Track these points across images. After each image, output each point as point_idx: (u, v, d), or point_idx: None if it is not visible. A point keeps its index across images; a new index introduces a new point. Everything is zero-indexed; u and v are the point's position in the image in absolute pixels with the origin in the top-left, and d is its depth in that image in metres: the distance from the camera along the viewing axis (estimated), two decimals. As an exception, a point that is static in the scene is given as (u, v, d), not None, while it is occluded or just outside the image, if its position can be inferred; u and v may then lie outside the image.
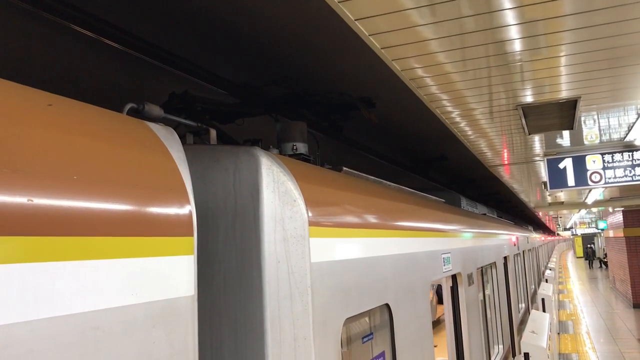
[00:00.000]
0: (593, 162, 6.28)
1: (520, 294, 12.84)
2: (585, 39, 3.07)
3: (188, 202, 1.36)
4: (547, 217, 30.83)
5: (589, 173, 6.28)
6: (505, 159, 7.27)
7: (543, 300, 11.03)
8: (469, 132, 5.35)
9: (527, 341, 5.65)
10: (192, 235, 1.36)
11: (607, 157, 6.24)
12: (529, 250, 17.12)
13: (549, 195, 12.47)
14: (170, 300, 1.25)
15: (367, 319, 2.92)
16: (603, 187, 6.40)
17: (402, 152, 8.11)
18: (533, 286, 17.70)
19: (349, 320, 2.52)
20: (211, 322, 2.03)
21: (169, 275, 1.26)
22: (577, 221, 43.92)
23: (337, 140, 6.27)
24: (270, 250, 2.02)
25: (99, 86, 3.86)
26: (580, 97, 3.91)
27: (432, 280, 4.00)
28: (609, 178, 6.21)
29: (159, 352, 1.21)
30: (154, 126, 1.45)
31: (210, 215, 2.10)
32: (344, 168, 3.35)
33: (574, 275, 39.08)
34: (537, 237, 23.30)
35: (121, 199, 1.14)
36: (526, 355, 5.56)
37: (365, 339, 2.88)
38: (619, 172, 6.19)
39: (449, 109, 4.28)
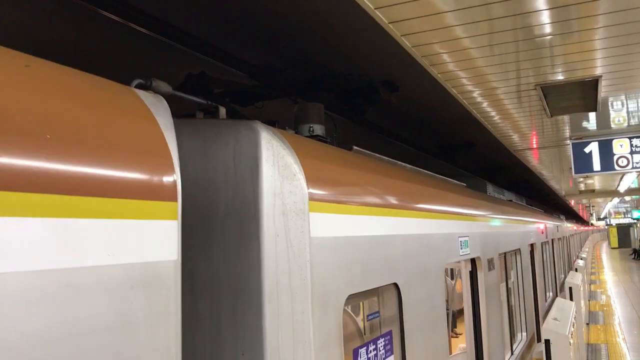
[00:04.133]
0: (620, 147, 6.10)
1: (548, 283, 12.65)
2: (614, 21, 2.97)
3: (172, 168, 1.36)
4: (580, 206, 30.20)
5: (615, 157, 6.11)
6: (532, 142, 7.13)
7: (570, 289, 10.84)
8: (492, 114, 5.26)
9: (548, 328, 5.56)
10: (176, 200, 1.36)
11: (636, 141, 6.05)
12: (559, 239, 16.82)
13: (580, 181, 12.19)
14: (150, 263, 1.26)
15: (372, 297, 2.91)
16: (630, 172, 6.23)
17: (429, 138, 8.03)
18: (563, 275, 17.40)
19: (353, 297, 2.51)
20: (211, 293, 2.05)
21: (150, 239, 1.27)
22: (612, 211, 42.92)
23: (360, 125, 6.23)
24: (269, 224, 2.02)
25: (117, 68, 3.90)
26: (601, 77, 3.79)
27: (447, 263, 3.96)
28: (637, 162, 6.03)
29: (138, 313, 1.23)
30: (141, 93, 1.46)
31: (211, 189, 2.11)
32: (355, 147, 3.33)
33: (608, 266, 38.24)
34: (568, 226, 22.86)
35: (99, 160, 1.15)
36: (547, 342, 5.47)
37: (370, 317, 2.87)
38: (648, 157, 6.01)
39: (469, 88, 4.19)
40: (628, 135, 6.09)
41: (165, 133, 1.39)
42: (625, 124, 5.80)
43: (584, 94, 4.23)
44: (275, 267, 2.02)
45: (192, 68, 4.29)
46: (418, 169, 4.43)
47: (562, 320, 6.19)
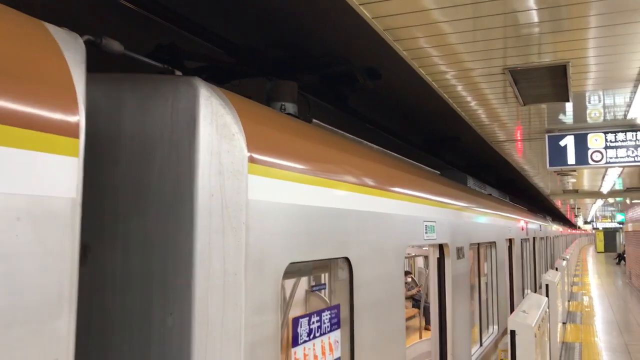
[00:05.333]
0: (595, 141, 6.09)
1: (527, 280, 12.68)
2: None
3: (75, 103, 1.31)
4: (567, 208, 30.37)
5: (590, 152, 6.10)
6: (511, 134, 7.12)
7: (547, 286, 10.89)
8: (467, 99, 5.20)
9: (514, 319, 5.56)
10: (77, 137, 1.31)
11: (610, 136, 6.04)
12: (542, 238, 16.86)
13: (565, 178, 12.19)
14: (41, 197, 1.22)
15: (319, 268, 2.88)
16: (603, 167, 6.23)
17: (415, 131, 8.04)
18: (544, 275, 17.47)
19: (295, 265, 2.47)
20: (143, 251, 2.00)
21: (42, 172, 1.22)
22: (599, 214, 43.15)
23: (346, 113, 6.19)
24: (203, 182, 1.98)
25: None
26: (569, 63, 3.75)
27: (408, 245, 3.94)
28: (611, 158, 6.02)
29: (24, 247, 1.18)
30: (52, 27, 1.41)
31: (147, 145, 2.06)
32: (314, 120, 3.29)
33: (592, 269, 38.55)
34: (553, 227, 22.94)
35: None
36: (512, 333, 5.47)
37: (315, 288, 2.84)
38: (622, 152, 6.00)
39: (442, 68, 4.11)
40: (603, 130, 6.09)
41: (73, 69, 1.34)
42: (601, 119, 5.79)
43: (553, 82, 4.20)
44: (209, 227, 1.98)
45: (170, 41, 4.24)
46: (387, 150, 4.39)
47: (531, 313, 6.20)
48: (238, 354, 2.03)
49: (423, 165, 5.37)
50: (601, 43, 3.47)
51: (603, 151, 6.06)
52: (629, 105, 5.20)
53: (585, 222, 56.68)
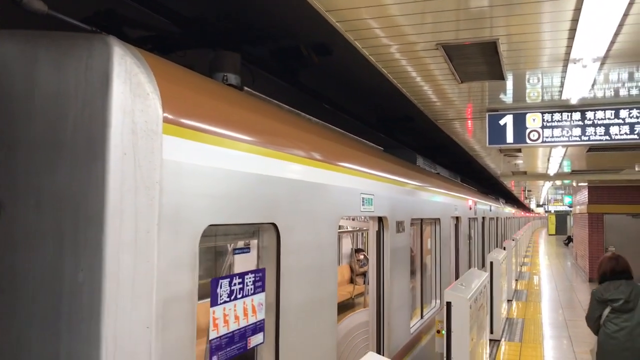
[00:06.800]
0: (533, 121, 6.29)
1: (474, 259, 13.05)
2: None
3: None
4: (521, 190, 31.18)
5: (527, 131, 6.30)
6: (460, 113, 7.25)
7: (491, 263, 11.24)
8: (412, 74, 5.26)
9: (450, 291, 5.75)
10: None
11: (547, 116, 6.24)
12: (491, 218, 17.32)
13: (512, 159, 12.50)
14: None
15: (243, 232, 2.93)
16: (539, 146, 6.44)
17: (366, 110, 8.12)
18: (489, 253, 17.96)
19: (215, 227, 2.51)
20: (55, 207, 2.01)
21: None
22: (551, 197, 44.45)
23: (297, 89, 6.20)
24: (116, 141, 2.00)
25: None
26: (498, 40, 3.85)
27: (342, 215, 4.02)
28: (547, 137, 6.23)
29: None
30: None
31: (61, 103, 2.06)
32: (246, 88, 3.31)
33: (542, 251, 39.84)
34: (504, 208, 23.57)
35: None
36: (448, 305, 5.65)
37: (238, 251, 2.89)
38: (557, 132, 6.21)
39: (384, 41, 4.14)
40: (541, 110, 6.28)
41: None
42: (539, 99, 5.97)
43: (486, 59, 4.30)
44: (121, 185, 2.00)
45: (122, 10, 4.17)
46: (328, 124, 4.45)
47: (468, 286, 6.41)
48: (149, 310, 2.07)
49: (366, 141, 5.46)
50: (529, 20, 3.56)
51: (540, 130, 6.27)
52: (562, 86, 5.38)
53: (538, 205, 58.30)
